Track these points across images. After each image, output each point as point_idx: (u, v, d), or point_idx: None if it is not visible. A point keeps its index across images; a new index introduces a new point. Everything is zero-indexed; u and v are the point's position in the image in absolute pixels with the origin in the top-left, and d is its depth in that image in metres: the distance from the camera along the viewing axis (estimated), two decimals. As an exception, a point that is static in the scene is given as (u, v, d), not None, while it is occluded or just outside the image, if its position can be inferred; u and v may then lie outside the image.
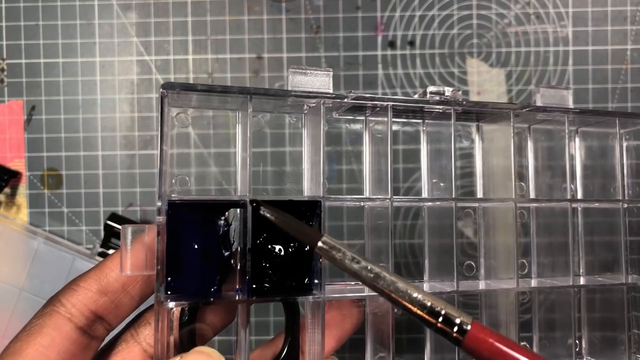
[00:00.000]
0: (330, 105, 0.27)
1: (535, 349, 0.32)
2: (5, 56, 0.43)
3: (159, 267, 0.23)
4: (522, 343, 0.31)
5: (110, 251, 0.41)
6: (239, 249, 0.25)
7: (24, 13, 0.43)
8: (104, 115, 0.43)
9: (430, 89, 0.28)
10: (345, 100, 0.27)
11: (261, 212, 0.23)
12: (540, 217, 0.32)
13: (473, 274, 0.31)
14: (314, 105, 0.27)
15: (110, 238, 0.41)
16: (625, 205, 0.32)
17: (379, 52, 0.43)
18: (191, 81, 0.43)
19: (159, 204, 0.23)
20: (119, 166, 0.43)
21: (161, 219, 0.23)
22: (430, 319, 0.21)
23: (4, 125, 0.43)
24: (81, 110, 0.43)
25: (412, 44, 0.43)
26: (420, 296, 0.21)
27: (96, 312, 0.24)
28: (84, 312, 0.24)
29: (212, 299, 0.24)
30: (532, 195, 0.32)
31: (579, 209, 0.33)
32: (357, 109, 0.28)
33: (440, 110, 0.29)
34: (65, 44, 0.43)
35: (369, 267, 0.22)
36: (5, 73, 0.43)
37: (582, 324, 0.33)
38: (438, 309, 0.21)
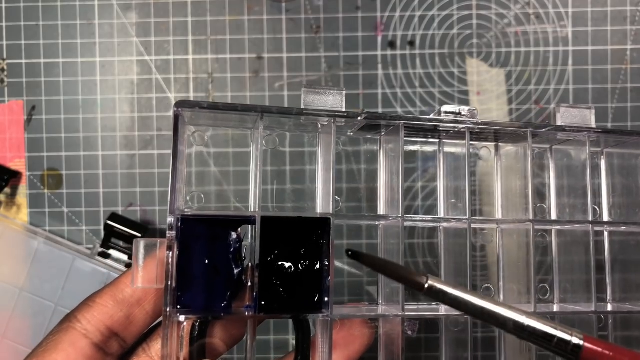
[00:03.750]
0: (343, 123, 0.27)
1: None
2: (5, 56, 0.43)
3: (168, 281, 0.23)
4: None
5: (111, 251, 0.41)
6: (250, 265, 0.25)
7: (24, 13, 0.43)
8: (104, 115, 0.43)
9: (445, 108, 0.28)
10: (358, 119, 0.27)
11: (356, 258, 0.23)
12: (562, 240, 0.31)
13: (492, 297, 0.31)
14: (326, 124, 0.27)
15: (110, 238, 0.41)
16: None
17: (379, 52, 0.43)
18: (191, 81, 0.43)
19: (171, 219, 0.23)
20: (119, 166, 0.43)
21: (172, 233, 0.23)
22: (545, 343, 0.21)
23: (4, 125, 0.43)
24: (81, 110, 0.43)
25: (412, 44, 0.43)
26: (532, 323, 0.21)
27: (111, 328, 0.24)
28: (99, 328, 0.24)
29: (221, 314, 0.24)
30: (553, 216, 0.31)
31: (606, 232, 0.32)
32: (371, 127, 0.28)
33: (456, 130, 0.28)
34: (66, 44, 0.43)
35: (475, 303, 0.21)
36: (5, 73, 0.43)
37: None
38: (551, 332, 0.21)
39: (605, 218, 0.32)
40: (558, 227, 0.31)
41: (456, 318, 0.29)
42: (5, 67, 0.43)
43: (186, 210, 0.24)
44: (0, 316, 0.41)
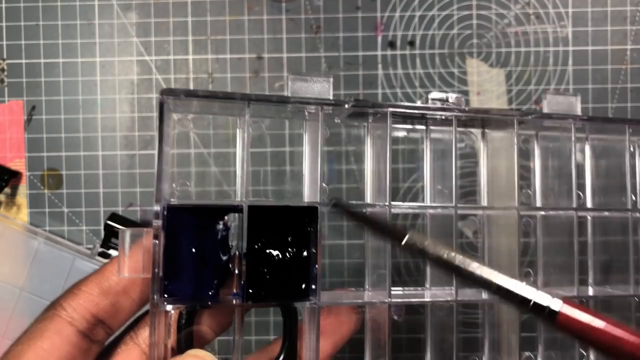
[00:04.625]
0: (331, 111, 0.27)
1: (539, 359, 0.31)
2: (5, 56, 0.43)
3: (155, 270, 0.23)
4: (526, 353, 0.30)
5: (111, 251, 0.41)
6: (237, 253, 0.25)
7: (24, 13, 0.43)
8: (104, 115, 0.43)
9: (432, 95, 0.28)
10: (346, 106, 0.26)
11: (340, 209, 0.23)
12: (547, 226, 0.32)
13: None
14: (313, 112, 0.27)
15: (111, 238, 0.41)
16: (638, 214, 0.31)
17: (379, 52, 0.43)
18: (191, 81, 0.43)
19: (157, 207, 0.23)
20: (119, 166, 0.43)
21: (159, 222, 0.23)
22: (521, 306, 0.21)
23: (4, 125, 0.43)
24: (81, 110, 0.43)
25: (412, 44, 0.43)
26: (507, 284, 0.21)
27: (97, 316, 0.24)
28: (85, 315, 0.24)
29: (209, 303, 0.24)
30: (538, 203, 0.31)
31: (589, 218, 0.32)
32: (359, 115, 0.28)
33: (444, 117, 0.28)
34: (65, 44, 0.43)
35: (453, 256, 0.21)
36: (5, 73, 0.43)
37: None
38: (527, 296, 0.21)
39: (589, 203, 0.32)
40: (543, 213, 0.31)
41: (441, 304, 0.29)
42: (5, 67, 0.43)
43: (172, 200, 0.24)
44: (0, 316, 0.41)
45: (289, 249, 0.25)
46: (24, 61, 0.43)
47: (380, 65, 0.43)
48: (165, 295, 0.23)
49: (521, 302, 0.21)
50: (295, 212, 0.25)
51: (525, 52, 0.43)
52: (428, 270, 0.30)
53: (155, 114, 0.43)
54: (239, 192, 0.26)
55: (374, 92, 0.43)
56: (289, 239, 0.25)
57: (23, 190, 0.43)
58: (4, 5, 0.43)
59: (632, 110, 0.43)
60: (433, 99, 0.28)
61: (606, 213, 0.31)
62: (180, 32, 0.43)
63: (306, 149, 0.28)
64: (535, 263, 0.32)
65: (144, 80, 0.43)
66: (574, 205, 0.30)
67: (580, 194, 0.31)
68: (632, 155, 0.31)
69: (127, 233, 0.24)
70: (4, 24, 0.43)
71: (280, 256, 0.25)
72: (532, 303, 0.21)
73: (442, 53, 0.43)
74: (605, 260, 0.32)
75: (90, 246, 0.43)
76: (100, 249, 0.41)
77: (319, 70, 0.43)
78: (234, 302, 0.25)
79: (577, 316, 0.21)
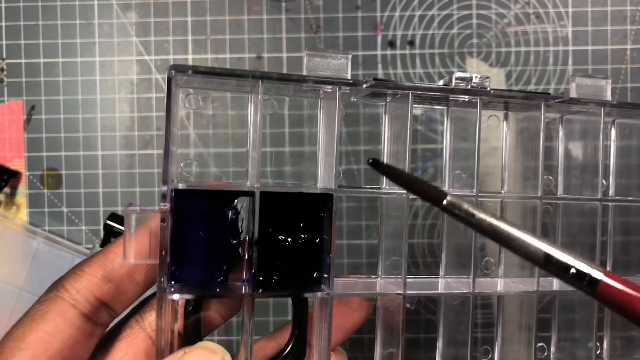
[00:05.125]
0: (348, 91, 0.26)
1: (553, 350, 0.30)
2: (5, 56, 0.43)
3: (162, 255, 0.22)
4: (539, 344, 0.30)
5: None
6: (247, 238, 0.24)
7: (24, 13, 0.43)
8: (104, 115, 0.43)
9: (457, 74, 0.26)
10: (364, 86, 0.25)
11: (377, 168, 0.22)
12: (568, 214, 0.31)
13: (492, 271, 0.30)
14: (330, 91, 0.25)
15: (110, 238, 0.41)
16: None
17: (379, 52, 0.43)
18: (191, 81, 0.43)
19: (165, 189, 0.22)
20: (119, 166, 0.43)
21: (166, 205, 0.22)
22: (562, 274, 0.21)
23: (4, 125, 0.43)
24: (81, 110, 0.43)
25: (412, 44, 0.43)
26: (550, 251, 0.21)
27: (101, 299, 0.23)
28: (88, 298, 0.23)
29: (217, 291, 0.23)
30: (560, 191, 0.30)
31: (611, 207, 0.31)
32: (377, 94, 0.27)
33: (467, 100, 0.27)
34: (65, 44, 0.43)
35: (495, 222, 0.21)
36: (5, 73, 0.43)
37: (605, 326, 0.31)
38: (570, 263, 0.21)
39: (612, 192, 0.31)
40: (563, 202, 0.30)
41: (455, 294, 0.28)
42: (5, 67, 0.43)
43: (180, 185, 0.23)
44: (0, 316, 0.41)
45: (302, 236, 0.24)
46: (23, 61, 0.43)
47: (380, 65, 0.43)
48: (173, 282, 0.23)
49: (563, 269, 0.20)
50: (309, 199, 0.24)
51: (525, 52, 0.43)
52: (444, 257, 0.29)
53: (155, 114, 0.43)
54: (250, 176, 0.25)
55: (374, 92, 0.43)
56: (302, 226, 0.24)
57: (23, 190, 0.43)
58: (4, 5, 0.43)
59: (632, 110, 0.43)
60: (458, 79, 0.26)
61: (629, 203, 0.30)
62: (180, 32, 0.43)
63: (321, 131, 0.26)
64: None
65: (143, 80, 0.43)
66: (599, 194, 0.28)
67: (604, 182, 0.30)
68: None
69: (133, 216, 0.22)
70: (4, 24, 0.43)
71: (293, 243, 0.24)
72: (573, 270, 0.20)
73: (442, 53, 0.43)
74: (624, 244, 0.32)
75: (90, 246, 0.43)
76: (100, 249, 0.41)
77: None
78: (244, 290, 0.24)
79: (618, 286, 0.20)
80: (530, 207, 0.29)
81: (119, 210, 0.43)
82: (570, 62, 0.43)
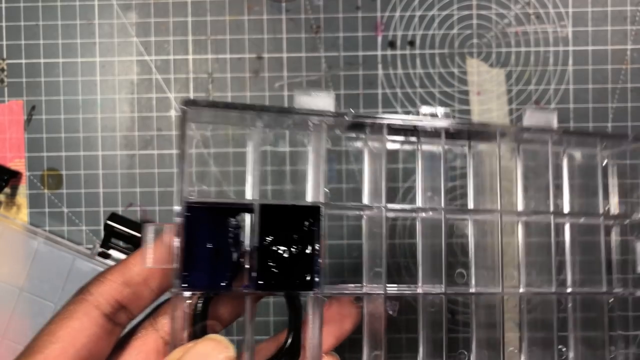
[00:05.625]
0: (333, 123, 0.30)
1: (523, 352, 0.32)
2: (5, 56, 0.43)
3: (177, 263, 0.26)
4: (510, 348, 0.32)
5: (111, 251, 0.41)
6: (248, 249, 0.27)
7: (24, 13, 0.43)
8: (104, 115, 0.43)
9: (423, 109, 0.31)
10: (346, 118, 0.29)
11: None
12: (529, 231, 0.34)
13: (464, 282, 0.33)
14: (317, 123, 0.30)
15: (110, 238, 0.41)
16: (611, 222, 0.34)
17: (379, 52, 0.43)
18: (191, 81, 0.43)
19: (178, 208, 0.26)
20: (119, 166, 0.43)
21: (180, 220, 0.26)
22: None
23: (4, 125, 0.43)
24: (81, 110, 0.43)
25: (412, 44, 0.43)
26: None
27: (120, 302, 0.27)
28: (109, 301, 0.26)
29: (222, 291, 0.27)
30: (520, 208, 0.33)
31: (567, 223, 0.34)
32: (357, 126, 0.31)
33: (433, 130, 0.31)
34: (65, 44, 0.43)
35: None
36: (5, 73, 0.43)
37: (569, 331, 0.34)
38: None
39: (566, 209, 0.34)
40: (523, 218, 0.34)
41: (432, 299, 0.31)
42: (5, 67, 0.43)
43: (190, 198, 0.27)
44: (0, 316, 0.41)
45: (296, 245, 0.28)
46: (23, 61, 0.43)
47: (380, 65, 0.43)
48: (185, 285, 0.26)
49: None
50: (300, 211, 0.28)
51: (525, 52, 0.43)
52: (420, 270, 0.32)
53: (155, 114, 0.43)
54: (249, 192, 0.28)
55: (374, 92, 0.43)
56: (295, 236, 0.28)
57: (23, 190, 0.43)
58: (4, 5, 0.43)
59: (632, 111, 0.43)
60: (424, 113, 0.31)
61: (582, 220, 0.34)
62: (180, 32, 0.43)
63: (310, 156, 0.31)
64: (517, 263, 0.34)
65: (143, 80, 0.43)
66: (551, 209, 0.32)
67: (559, 203, 0.34)
68: (604, 171, 0.34)
69: (151, 228, 0.27)
70: (4, 24, 0.43)
71: (287, 251, 0.28)
72: None
73: (442, 53, 0.43)
74: (582, 261, 0.34)
75: (90, 246, 0.43)
76: (100, 249, 0.41)
77: (319, 71, 0.43)
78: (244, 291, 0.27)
79: None
80: (496, 226, 0.32)
81: (119, 210, 0.43)
82: (570, 62, 0.43)
